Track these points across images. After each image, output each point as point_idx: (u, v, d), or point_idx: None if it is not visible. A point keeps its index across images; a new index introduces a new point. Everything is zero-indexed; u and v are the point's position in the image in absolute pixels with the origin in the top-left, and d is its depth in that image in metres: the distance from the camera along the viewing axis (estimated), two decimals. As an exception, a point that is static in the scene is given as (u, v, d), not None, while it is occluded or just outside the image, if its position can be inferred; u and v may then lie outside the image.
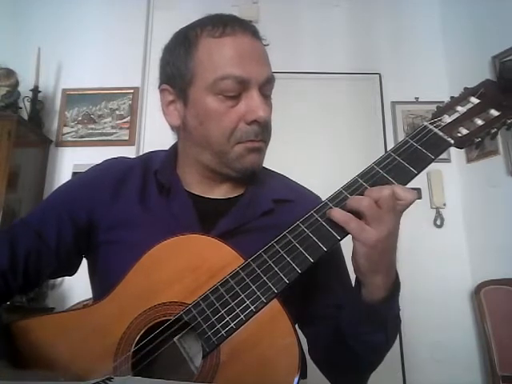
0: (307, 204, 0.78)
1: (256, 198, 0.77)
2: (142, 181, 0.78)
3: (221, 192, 0.79)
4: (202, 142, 0.74)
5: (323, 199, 0.65)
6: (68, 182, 0.84)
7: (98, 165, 0.84)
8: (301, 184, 0.89)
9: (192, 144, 0.77)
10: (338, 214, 0.59)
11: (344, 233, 0.61)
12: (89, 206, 0.76)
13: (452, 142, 0.65)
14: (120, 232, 0.74)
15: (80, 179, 0.84)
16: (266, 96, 0.74)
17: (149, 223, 0.74)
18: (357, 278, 0.65)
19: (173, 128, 0.81)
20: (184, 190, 0.78)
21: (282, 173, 0.91)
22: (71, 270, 0.81)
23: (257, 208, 0.76)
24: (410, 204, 0.60)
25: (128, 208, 0.76)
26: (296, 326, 0.66)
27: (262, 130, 0.73)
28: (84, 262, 0.82)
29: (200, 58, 0.71)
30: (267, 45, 0.76)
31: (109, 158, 0.86)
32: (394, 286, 0.64)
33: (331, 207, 0.62)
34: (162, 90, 0.78)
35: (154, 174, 0.78)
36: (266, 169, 0.86)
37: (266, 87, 0.73)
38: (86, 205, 0.76)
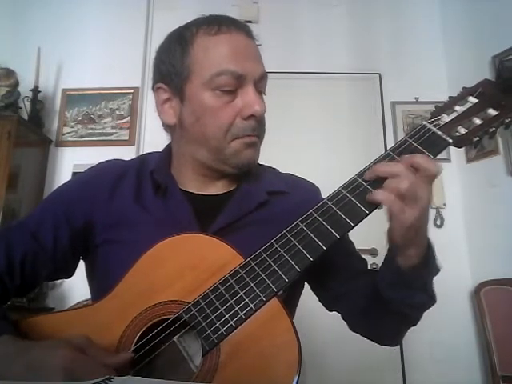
0: (303, 194, 0.79)
1: (250, 191, 0.78)
2: (137, 181, 0.79)
3: (216, 189, 0.80)
4: (199, 139, 0.75)
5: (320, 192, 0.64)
6: (64, 183, 0.84)
7: (93, 166, 0.84)
8: (294, 174, 0.90)
9: (188, 141, 0.77)
10: (382, 195, 0.60)
11: (343, 231, 0.61)
12: (85, 208, 0.76)
13: (451, 141, 0.65)
14: (118, 232, 0.75)
15: (76, 181, 0.85)
16: (260, 92, 0.75)
17: (147, 222, 0.75)
18: (390, 247, 0.66)
19: (166, 128, 0.82)
20: (179, 189, 0.78)
21: (281, 172, 0.91)
22: (68, 273, 0.81)
23: (251, 201, 0.77)
24: (435, 175, 0.61)
25: (125, 208, 0.76)
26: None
27: (258, 125, 0.74)
28: (82, 263, 0.82)
29: (196, 55, 0.73)
30: (259, 45, 0.78)
31: (109, 158, 0.87)
32: (427, 251, 0.66)
33: (330, 206, 0.63)
34: (156, 89, 0.78)
35: (149, 174, 0.79)
36: (260, 164, 0.86)
37: (260, 83, 0.75)
38: (82, 206, 0.77)
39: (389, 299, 0.69)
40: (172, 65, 0.75)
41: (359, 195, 0.62)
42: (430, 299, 0.72)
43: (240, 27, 0.75)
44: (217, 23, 0.73)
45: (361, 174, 0.64)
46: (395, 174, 0.60)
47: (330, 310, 0.83)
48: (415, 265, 0.64)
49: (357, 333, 0.81)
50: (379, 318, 0.74)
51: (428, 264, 0.66)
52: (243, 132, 0.73)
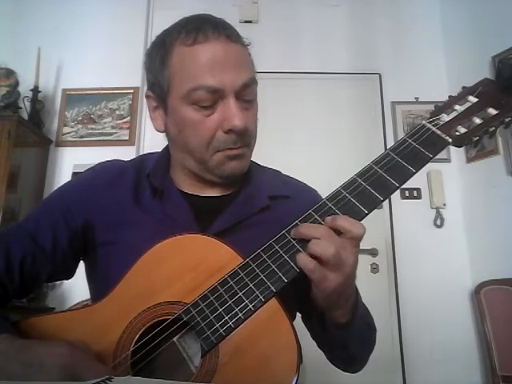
0: (305, 199, 0.78)
1: (251, 196, 0.78)
2: (136, 182, 0.78)
3: (214, 191, 0.79)
4: (184, 149, 0.74)
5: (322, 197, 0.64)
6: (63, 185, 0.83)
7: (92, 167, 0.84)
8: (296, 178, 0.89)
9: (176, 149, 0.78)
10: (304, 260, 0.58)
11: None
12: (84, 208, 0.76)
13: (450, 140, 0.65)
14: (117, 233, 0.74)
15: (74, 182, 0.84)
16: (246, 101, 0.72)
17: (146, 223, 0.74)
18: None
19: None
20: (177, 191, 0.78)
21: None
22: (68, 274, 0.80)
23: (254, 205, 0.76)
24: (360, 237, 0.59)
25: (124, 209, 0.76)
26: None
27: (242, 137, 0.71)
28: (82, 263, 0.82)
29: (174, 67, 0.71)
30: (248, 44, 0.75)
31: (109, 158, 0.86)
32: (354, 307, 0.66)
33: (330, 207, 0.63)
34: (146, 96, 0.78)
35: (146, 177, 0.78)
36: (259, 165, 0.86)
37: (244, 92, 0.71)
38: (80, 207, 0.76)
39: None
40: (155, 75, 0.74)
41: (358, 195, 0.62)
42: (348, 357, 0.73)
43: (220, 32, 0.70)
44: (194, 31, 0.69)
45: (361, 174, 0.64)
46: (317, 238, 0.58)
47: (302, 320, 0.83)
48: (343, 323, 0.65)
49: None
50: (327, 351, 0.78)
51: (351, 324, 0.66)
52: (224, 145, 0.71)
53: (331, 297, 0.60)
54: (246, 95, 0.71)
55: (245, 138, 0.72)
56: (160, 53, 0.73)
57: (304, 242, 0.60)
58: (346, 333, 0.67)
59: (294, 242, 0.61)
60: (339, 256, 0.57)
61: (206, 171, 0.75)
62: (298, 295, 0.68)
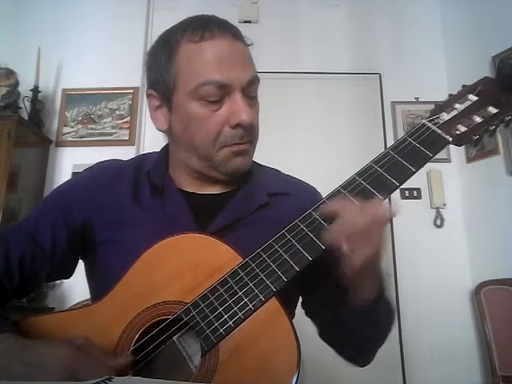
0: (304, 196, 0.79)
1: (250, 193, 0.78)
2: (135, 181, 0.79)
3: (214, 189, 0.79)
4: (189, 147, 0.75)
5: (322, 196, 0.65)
6: (62, 184, 0.83)
7: (90, 166, 0.84)
8: (296, 177, 0.89)
9: (179, 148, 0.77)
10: (333, 234, 0.59)
11: None
12: (83, 207, 0.76)
13: (450, 139, 0.65)
14: (117, 232, 0.74)
15: (73, 181, 0.85)
16: (250, 97, 0.73)
17: (145, 223, 0.75)
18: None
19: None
20: (177, 189, 0.78)
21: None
22: (67, 273, 0.81)
23: (252, 202, 0.77)
24: (387, 221, 0.61)
25: (123, 208, 0.76)
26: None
27: (248, 133, 0.72)
28: (81, 263, 0.82)
29: (180, 64, 0.71)
30: (250, 44, 0.76)
31: (109, 158, 0.86)
32: (381, 286, 0.67)
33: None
34: (148, 95, 0.78)
35: (146, 175, 0.78)
36: (259, 164, 0.86)
37: (249, 89, 0.72)
38: (80, 206, 0.76)
39: (343, 327, 0.72)
40: (159, 73, 0.74)
41: (358, 194, 0.62)
42: (378, 336, 0.74)
43: (226, 30, 0.72)
44: (201, 28, 0.71)
45: (360, 174, 0.64)
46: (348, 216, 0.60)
47: (307, 316, 0.83)
48: (369, 299, 0.66)
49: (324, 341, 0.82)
50: (337, 340, 0.78)
51: (378, 302, 0.67)
52: (231, 140, 0.72)
53: (362, 269, 0.60)
54: (250, 92, 0.73)
55: (250, 133, 0.74)
56: (165, 51, 0.73)
57: (305, 238, 0.60)
58: (372, 310, 0.67)
59: (293, 241, 0.61)
60: (367, 234, 0.58)
61: (210, 168, 0.75)
62: (313, 282, 0.70)
